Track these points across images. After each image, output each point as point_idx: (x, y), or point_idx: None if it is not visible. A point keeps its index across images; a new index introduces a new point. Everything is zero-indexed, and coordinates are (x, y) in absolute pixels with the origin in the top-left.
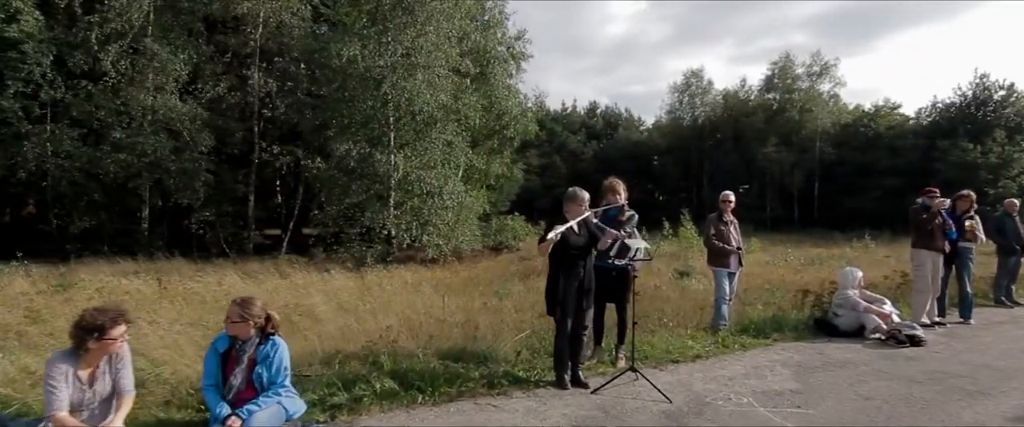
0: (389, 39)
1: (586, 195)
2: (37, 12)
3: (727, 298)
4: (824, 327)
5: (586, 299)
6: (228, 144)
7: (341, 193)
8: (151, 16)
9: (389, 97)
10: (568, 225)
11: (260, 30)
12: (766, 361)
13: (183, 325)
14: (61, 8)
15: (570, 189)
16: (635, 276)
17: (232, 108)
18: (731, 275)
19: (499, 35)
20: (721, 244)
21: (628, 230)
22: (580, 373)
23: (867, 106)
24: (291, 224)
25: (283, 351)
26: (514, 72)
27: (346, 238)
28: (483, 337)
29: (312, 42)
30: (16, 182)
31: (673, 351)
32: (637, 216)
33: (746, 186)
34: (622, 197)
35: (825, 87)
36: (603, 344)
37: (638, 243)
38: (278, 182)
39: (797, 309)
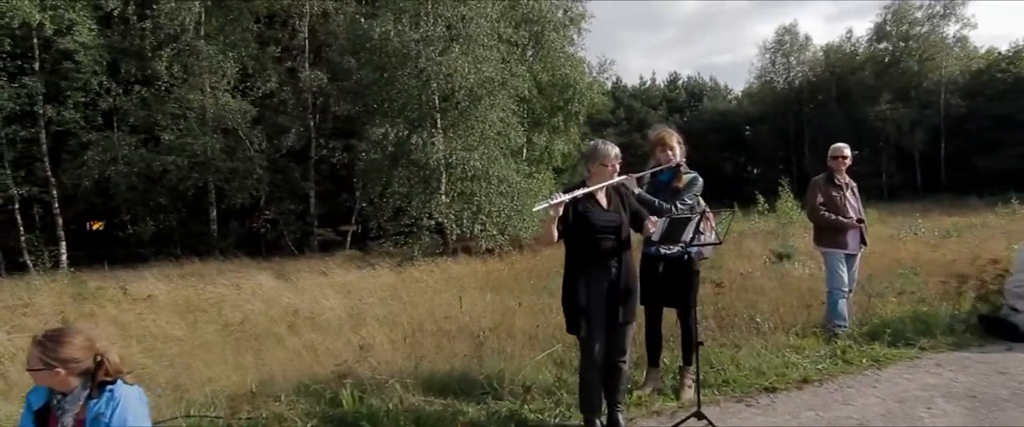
0: (429, 10)
1: (614, 150)
2: (91, 22)
3: (846, 290)
4: (996, 328)
5: (625, 309)
6: (285, 140)
7: (384, 182)
8: (202, 17)
9: (428, 74)
10: (576, 193)
11: (306, 20)
12: (916, 387)
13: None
14: (115, 16)
15: (591, 143)
16: (698, 266)
17: (285, 104)
18: (849, 258)
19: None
20: (833, 216)
21: (688, 202)
22: (619, 416)
23: (1004, 48)
24: (353, 219)
25: (125, 408)
26: (575, 37)
27: (389, 231)
28: (501, 353)
29: (358, 27)
30: (87, 191)
31: (768, 372)
32: (701, 181)
33: (854, 152)
34: (677, 154)
35: (950, 30)
36: (662, 363)
37: (692, 225)
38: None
39: (950, 301)
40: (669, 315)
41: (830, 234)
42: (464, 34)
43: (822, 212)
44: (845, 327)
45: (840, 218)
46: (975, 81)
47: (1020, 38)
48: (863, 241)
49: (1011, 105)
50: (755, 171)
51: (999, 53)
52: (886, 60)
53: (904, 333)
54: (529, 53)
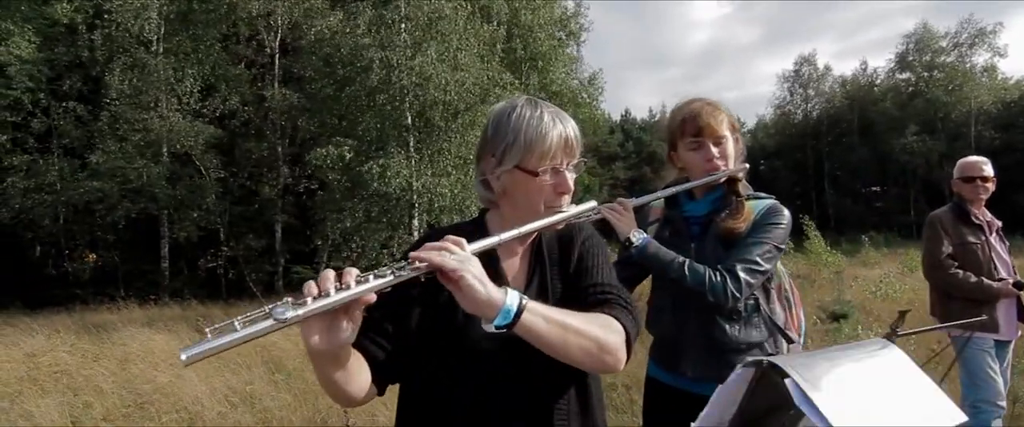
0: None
1: (563, 129)
2: (31, 32)
3: (1001, 402)
4: None
5: None
6: (245, 167)
7: (332, 213)
8: (161, 30)
9: (393, 83)
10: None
11: (277, 34)
12: None
13: None
14: (64, 25)
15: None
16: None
17: (248, 126)
18: (1001, 347)
19: (552, 12)
20: (974, 279)
21: (761, 264)
22: None
23: None
24: (325, 257)
25: None
26: (574, 52)
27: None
28: None
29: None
30: (14, 222)
31: None
32: (786, 214)
33: (876, 188)
34: (730, 152)
35: (979, 60)
36: None
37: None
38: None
39: None
40: None
41: (966, 308)
42: (436, 34)
43: (953, 270)
44: None
45: (985, 281)
46: (1008, 112)
47: None
48: (1022, 315)
49: None
50: None
51: None
52: (909, 90)
53: None
54: (525, 67)
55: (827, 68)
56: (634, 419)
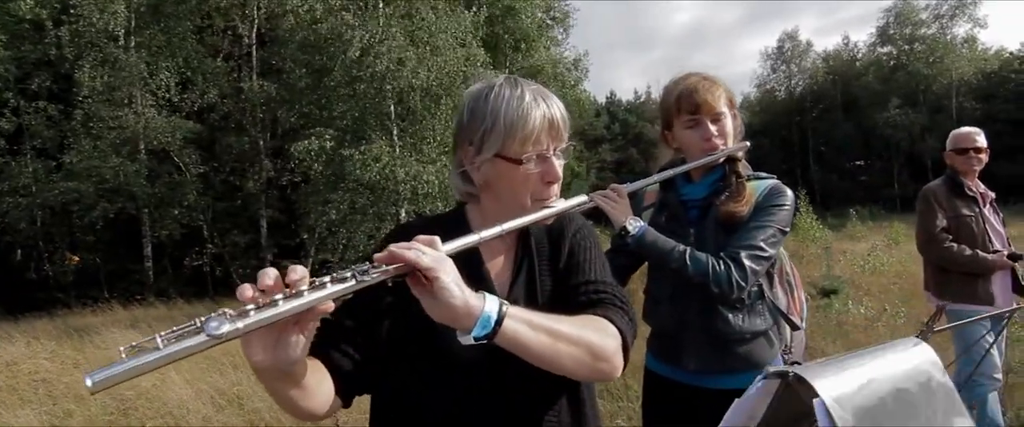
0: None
1: (548, 109)
2: None
3: (997, 376)
4: None
5: None
6: (227, 162)
7: (319, 207)
8: (132, 24)
9: (371, 68)
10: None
11: (254, 24)
12: None
13: None
14: (28, 22)
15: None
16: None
17: (227, 119)
18: (997, 323)
19: None
20: (969, 252)
21: (765, 250)
22: None
23: (1014, 48)
24: (312, 251)
25: None
26: (560, 37)
27: (334, 267)
28: None
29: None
30: None
31: None
32: (789, 195)
33: (860, 163)
34: (729, 130)
35: (959, 31)
36: None
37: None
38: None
39: None
40: None
41: (963, 282)
42: (412, 15)
43: (947, 243)
44: None
45: (983, 256)
46: (989, 83)
47: None
48: (1019, 289)
49: None
50: None
51: (1011, 53)
52: (891, 64)
53: None
54: (509, 50)
55: (809, 44)
56: (629, 405)
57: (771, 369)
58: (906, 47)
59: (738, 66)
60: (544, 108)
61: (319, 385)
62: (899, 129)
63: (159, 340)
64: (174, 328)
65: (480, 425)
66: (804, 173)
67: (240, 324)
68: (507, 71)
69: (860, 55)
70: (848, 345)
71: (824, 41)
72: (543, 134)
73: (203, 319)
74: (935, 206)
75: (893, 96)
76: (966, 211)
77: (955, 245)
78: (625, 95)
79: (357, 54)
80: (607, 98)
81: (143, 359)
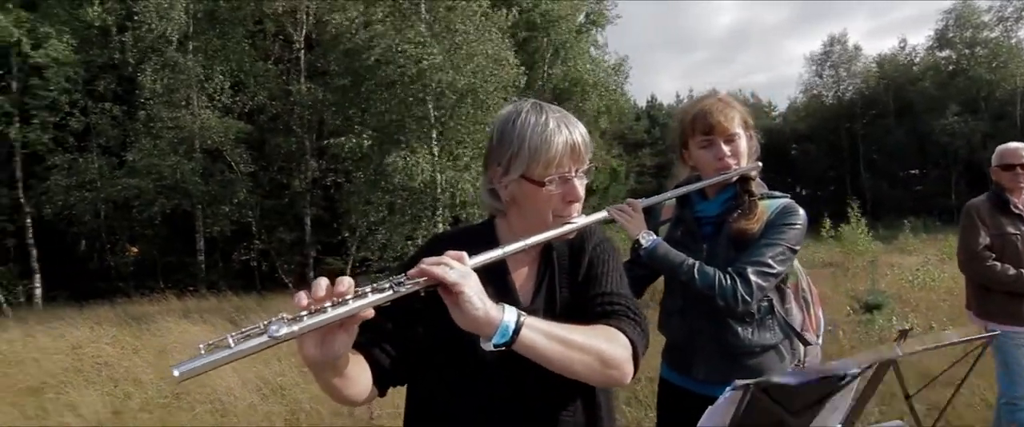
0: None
1: (572, 133)
2: (68, 35)
3: None
4: None
5: None
6: (275, 161)
7: (360, 207)
8: (190, 29)
9: (406, 72)
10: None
11: (302, 29)
12: None
13: None
14: (96, 28)
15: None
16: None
17: (277, 120)
18: None
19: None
20: (1013, 271)
21: (773, 267)
22: None
23: None
24: (354, 248)
25: None
26: (599, 39)
27: (373, 267)
28: None
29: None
30: (58, 219)
31: None
32: (801, 214)
33: (914, 171)
34: (743, 149)
35: None
36: None
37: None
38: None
39: None
40: None
41: (1006, 302)
42: (444, 23)
43: (990, 262)
44: None
45: (1023, 274)
46: None
47: None
48: None
49: None
50: (803, 192)
51: None
52: (950, 69)
53: None
54: (548, 56)
55: (857, 48)
56: (655, 414)
57: (738, 382)
58: (966, 51)
59: (785, 69)
60: (566, 134)
61: (359, 376)
62: (957, 137)
63: (230, 339)
64: (243, 329)
65: (501, 420)
66: (854, 181)
67: (296, 327)
68: (542, 82)
69: (917, 59)
70: None
71: (876, 43)
72: (565, 158)
73: (265, 323)
74: (978, 223)
75: (952, 102)
76: (1011, 229)
77: (998, 264)
78: (666, 99)
79: (391, 70)
80: (648, 102)
81: (218, 355)
